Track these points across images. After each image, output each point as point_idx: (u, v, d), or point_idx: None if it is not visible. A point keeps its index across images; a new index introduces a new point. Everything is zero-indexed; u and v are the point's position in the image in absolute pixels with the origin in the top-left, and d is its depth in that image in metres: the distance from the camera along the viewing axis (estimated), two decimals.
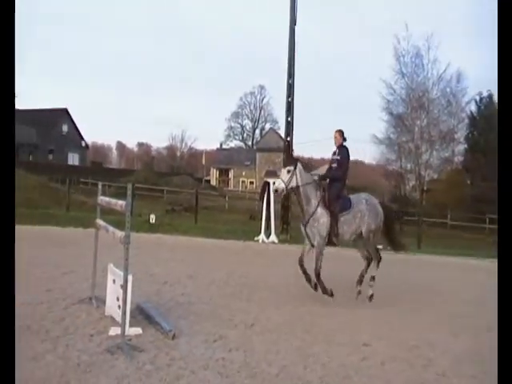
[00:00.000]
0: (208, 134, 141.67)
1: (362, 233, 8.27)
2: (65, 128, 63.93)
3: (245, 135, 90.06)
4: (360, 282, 8.54)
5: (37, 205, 20.24)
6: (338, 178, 8.20)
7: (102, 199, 6.86)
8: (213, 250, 14.11)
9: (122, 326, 5.36)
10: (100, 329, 5.82)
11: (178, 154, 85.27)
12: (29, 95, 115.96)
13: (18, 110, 61.91)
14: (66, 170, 45.29)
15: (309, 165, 54.59)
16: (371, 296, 8.45)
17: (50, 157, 60.15)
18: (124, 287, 5.45)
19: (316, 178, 8.32)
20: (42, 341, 5.32)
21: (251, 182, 72.19)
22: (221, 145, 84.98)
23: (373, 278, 8.53)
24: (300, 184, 7.86)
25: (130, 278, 5.50)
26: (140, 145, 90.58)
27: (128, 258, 5.37)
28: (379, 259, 8.69)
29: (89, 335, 5.60)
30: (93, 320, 6.15)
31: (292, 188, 7.88)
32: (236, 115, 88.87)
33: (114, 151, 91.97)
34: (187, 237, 16.31)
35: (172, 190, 37.24)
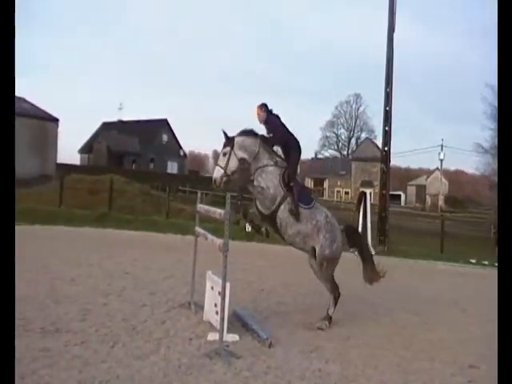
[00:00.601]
0: (302, 143, 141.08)
1: (315, 250, 6.77)
2: (165, 138, 66.86)
3: (340, 145, 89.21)
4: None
5: (140, 211, 21.34)
6: (289, 142, 6.80)
7: (201, 207, 7.07)
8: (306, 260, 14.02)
9: (220, 332, 5.48)
10: (199, 333, 5.99)
11: None
12: (133, 107, 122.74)
13: (123, 121, 65.87)
14: (166, 177, 47.29)
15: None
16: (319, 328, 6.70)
17: (151, 165, 63.17)
18: (222, 294, 5.58)
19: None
20: (145, 341, 5.57)
21: (346, 192, 71.25)
22: (315, 154, 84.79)
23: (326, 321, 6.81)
24: (249, 159, 6.53)
25: (227, 285, 5.62)
26: None
27: (226, 265, 5.49)
28: (336, 296, 6.95)
29: (188, 339, 5.78)
30: (192, 324, 6.35)
31: (233, 172, 6.50)
32: (331, 124, 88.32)
33: (211, 160, 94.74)
34: (282, 246, 16.37)
35: None
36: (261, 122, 6.87)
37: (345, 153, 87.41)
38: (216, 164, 6.64)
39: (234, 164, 6.47)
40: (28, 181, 32.37)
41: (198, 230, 7.05)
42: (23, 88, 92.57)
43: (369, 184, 63.09)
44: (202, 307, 6.70)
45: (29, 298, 6.97)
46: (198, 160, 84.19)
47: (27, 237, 14.20)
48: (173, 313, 6.83)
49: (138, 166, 59.40)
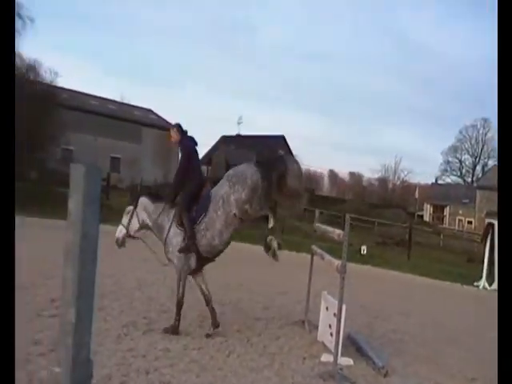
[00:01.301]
0: (422, 167, 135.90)
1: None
2: (281, 154, 67.83)
3: (463, 171, 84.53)
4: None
5: (254, 226, 21.68)
6: (177, 184, 6.44)
7: (319, 226, 7.02)
8: (427, 290, 13.38)
9: (335, 354, 5.36)
10: (312, 353, 5.91)
11: (390, 185, 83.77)
12: (251, 122, 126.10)
13: (241, 136, 67.91)
14: None
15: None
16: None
17: None
18: (338, 316, 5.46)
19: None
20: (259, 355, 5.60)
21: (469, 222, 67.16)
22: (436, 180, 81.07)
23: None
24: (149, 222, 6.42)
25: (343, 307, 5.49)
26: (351, 174, 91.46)
27: (343, 287, 5.37)
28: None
29: (302, 357, 5.72)
30: (305, 343, 6.28)
31: (139, 230, 6.44)
32: (454, 149, 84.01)
33: (326, 179, 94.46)
34: (398, 272, 15.82)
35: (383, 222, 36.60)
36: (174, 144, 6.71)
37: (469, 180, 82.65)
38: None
39: (135, 224, 6.41)
40: (154, 188, 34.45)
41: (315, 248, 7.00)
42: (150, 99, 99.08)
43: (497, 215, 58.67)
44: (316, 326, 6.62)
45: (152, 300, 7.34)
46: (314, 178, 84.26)
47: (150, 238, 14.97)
48: (287, 329, 6.81)
49: None
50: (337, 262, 5.64)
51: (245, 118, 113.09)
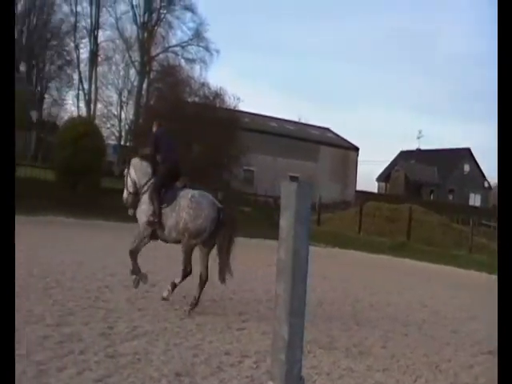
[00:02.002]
0: None
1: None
2: (466, 168, 63.38)
3: None
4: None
5: (439, 243, 20.55)
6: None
7: None
8: None
9: None
10: None
11: None
12: (432, 135, 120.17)
13: (422, 150, 65.05)
14: (467, 210, 44.56)
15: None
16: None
17: (450, 196, 60.53)
18: None
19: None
20: (450, 383, 5.20)
21: None
22: None
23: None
24: (141, 183, 7.17)
25: None
26: None
27: None
28: (203, 279, 6.77)
29: None
30: None
31: (139, 191, 7.20)
32: None
33: None
34: None
35: None
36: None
37: None
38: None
39: (130, 184, 7.28)
40: (330, 205, 34.70)
41: None
42: (329, 118, 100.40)
43: None
44: None
45: (333, 318, 7.32)
46: None
47: (330, 258, 15.08)
48: (481, 358, 6.22)
49: (436, 197, 57.66)
50: None
51: (425, 132, 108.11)
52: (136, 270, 7.03)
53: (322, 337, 6.23)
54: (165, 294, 6.77)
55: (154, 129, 7.79)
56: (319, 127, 52.22)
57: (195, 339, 5.42)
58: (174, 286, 6.78)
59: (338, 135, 51.70)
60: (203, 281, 6.79)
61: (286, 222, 1.71)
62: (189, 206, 6.71)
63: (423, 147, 66.53)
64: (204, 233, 6.70)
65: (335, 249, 18.34)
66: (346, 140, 50.59)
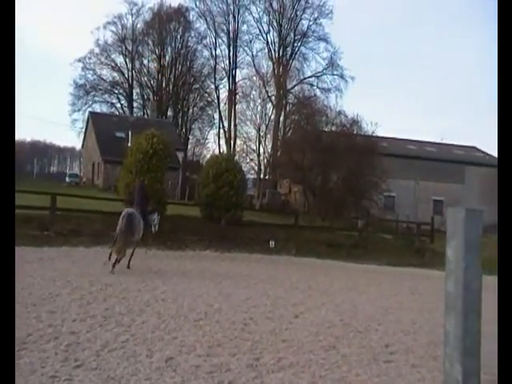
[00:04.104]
0: None
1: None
2: None
3: None
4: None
5: None
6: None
7: None
8: None
9: None
10: None
11: None
12: None
13: None
14: None
15: None
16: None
17: None
18: None
19: None
20: None
21: None
22: None
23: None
24: None
25: None
26: None
27: None
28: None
29: None
30: None
31: None
32: None
33: None
34: None
35: None
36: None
37: None
38: None
39: None
40: (484, 229, 32.27)
41: None
42: (475, 137, 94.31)
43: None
44: None
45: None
46: None
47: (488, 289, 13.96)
48: None
49: None
50: None
51: None
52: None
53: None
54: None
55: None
56: (464, 146, 49.32)
57: (341, 371, 5.30)
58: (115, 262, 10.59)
59: (486, 153, 48.32)
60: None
61: (453, 251, 1.61)
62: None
63: None
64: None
65: (490, 277, 16.93)
66: (495, 158, 47.08)
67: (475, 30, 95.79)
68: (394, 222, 29.99)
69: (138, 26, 55.98)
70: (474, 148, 49.86)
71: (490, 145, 60.55)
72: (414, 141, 46.41)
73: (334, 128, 34.14)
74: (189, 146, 55.95)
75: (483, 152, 48.84)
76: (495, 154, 47.48)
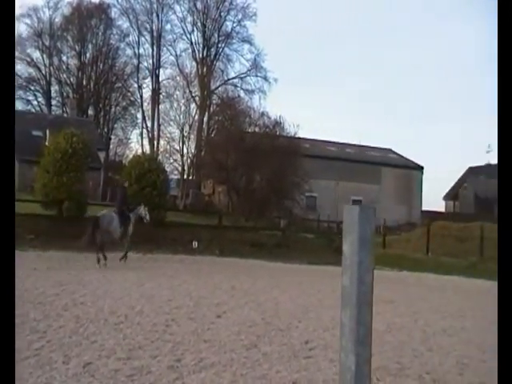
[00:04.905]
0: None
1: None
2: None
3: None
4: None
5: None
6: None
7: None
8: None
9: None
10: None
11: None
12: None
13: (492, 165, 62.44)
14: None
15: None
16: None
17: None
18: None
19: None
20: None
21: None
22: None
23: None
24: None
25: None
26: None
27: None
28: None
29: None
30: None
31: None
32: None
33: None
34: None
35: None
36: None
37: None
38: None
39: None
40: (395, 227, 33.88)
41: None
42: (391, 138, 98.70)
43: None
44: None
45: (403, 344, 7.07)
46: None
47: (396, 282, 14.68)
48: None
49: None
50: None
51: (495, 146, 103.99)
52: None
53: (392, 364, 6.03)
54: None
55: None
56: (380, 148, 51.49)
57: (262, 369, 5.39)
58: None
59: (400, 155, 50.70)
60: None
61: (349, 247, 1.68)
62: None
63: (493, 162, 63.98)
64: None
65: (402, 272, 17.80)
66: (409, 159, 49.54)
67: (400, 34, 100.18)
68: (315, 222, 30.82)
69: (56, 20, 53.66)
70: (389, 150, 52.16)
71: (404, 147, 63.88)
72: (335, 143, 47.86)
73: (257, 129, 34.56)
74: (111, 146, 54.49)
75: (398, 154, 51.23)
76: (409, 156, 50.01)
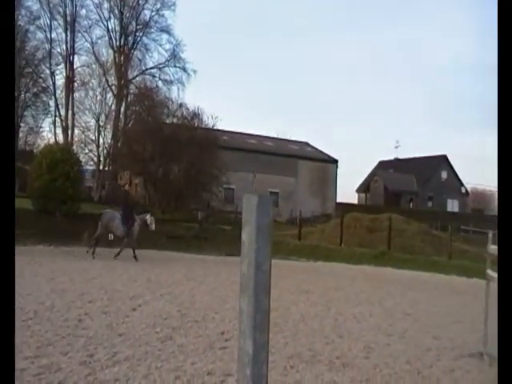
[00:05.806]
0: None
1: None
2: (444, 175, 64.30)
3: None
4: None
5: (419, 251, 20.76)
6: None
7: (494, 249, 6.44)
8: None
9: None
10: None
11: None
12: (409, 144, 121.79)
13: (400, 159, 65.81)
14: (446, 216, 45.12)
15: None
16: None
17: (429, 204, 61.23)
18: None
19: None
20: None
21: None
22: None
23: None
24: None
25: None
26: None
27: None
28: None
29: None
30: (486, 377, 5.73)
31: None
32: None
33: (496, 197, 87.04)
34: None
35: None
36: (125, 184, 14.00)
37: None
38: None
39: None
40: (311, 219, 34.82)
41: (491, 273, 6.44)
42: (307, 133, 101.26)
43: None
44: (496, 359, 6.01)
45: (316, 332, 7.33)
46: (482, 197, 78.29)
47: (312, 272, 15.13)
48: (462, 362, 6.29)
49: (415, 205, 58.30)
50: None
51: (403, 141, 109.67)
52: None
53: (305, 351, 6.24)
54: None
55: (128, 179, 11.70)
56: (298, 142, 52.59)
57: (177, 361, 5.39)
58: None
59: (316, 149, 52.04)
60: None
61: (247, 236, 1.71)
62: None
63: (401, 156, 67.39)
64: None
65: (317, 262, 18.36)
66: (324, 153, 50.96)
67: (332, 33, 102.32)
68: (233, 214, 30.96)
69: None
70: (306, 144, 53.40)
71: (320, 141, 65.83)
72: (254, 135, 48.28)
73: (175, 120, 34.15)
74: (20, 135, 51.55)
75: (314, 148, 52.57)
76: (324, 149, 51.46)
